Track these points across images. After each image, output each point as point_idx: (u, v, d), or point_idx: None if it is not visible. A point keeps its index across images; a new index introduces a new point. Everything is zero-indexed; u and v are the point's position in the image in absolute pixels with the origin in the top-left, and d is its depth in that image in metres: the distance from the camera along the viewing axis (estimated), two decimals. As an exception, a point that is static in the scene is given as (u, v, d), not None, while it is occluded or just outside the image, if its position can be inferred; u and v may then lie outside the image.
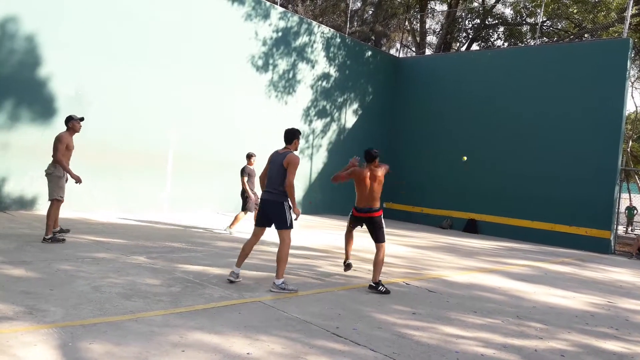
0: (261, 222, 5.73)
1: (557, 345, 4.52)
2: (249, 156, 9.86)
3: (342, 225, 8.06)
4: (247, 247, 5.72)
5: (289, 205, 5.58)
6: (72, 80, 10.39)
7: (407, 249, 10.27)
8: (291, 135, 5.72)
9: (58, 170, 7.09)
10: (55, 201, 7.02)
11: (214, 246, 8.02)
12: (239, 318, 4.34)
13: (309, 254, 8.16)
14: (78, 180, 7.13)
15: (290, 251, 8.13)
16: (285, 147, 5.73)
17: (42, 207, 10.05)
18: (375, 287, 5.90)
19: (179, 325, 3.98)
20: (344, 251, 7.17)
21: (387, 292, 5.88)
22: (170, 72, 11.98)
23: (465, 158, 13.65)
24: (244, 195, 9.58)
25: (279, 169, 5.52)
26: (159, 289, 5.01)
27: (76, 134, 7.56)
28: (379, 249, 6.24)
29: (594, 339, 4.87)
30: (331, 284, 6.08)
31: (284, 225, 5.58)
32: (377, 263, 6.08)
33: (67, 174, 7.21)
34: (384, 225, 6.50)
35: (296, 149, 5.77)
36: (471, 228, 15.81)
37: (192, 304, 4.63)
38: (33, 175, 9.90)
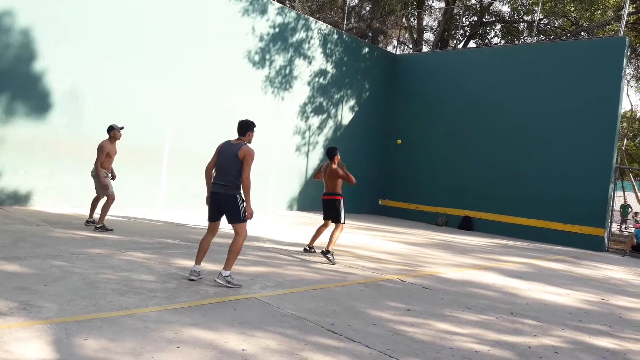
0: (214, 217, 5.48)
1: (550, 342, 4.55)
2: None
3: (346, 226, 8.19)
4: (205, 243, 5.48)
5: (242, 198, 5.34)
6: (68, 75, 10.35)
7: (402, 245, 10.29)
8: (246, 127, 5.48)
9: (101, 171, 7.99)
10: (110, 198, 7.93)
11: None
12: (234, 314, 4.35)
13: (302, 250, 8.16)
14: (104, 184, 8.01)
15: (286, 248, 8.19)
16: (238, 139, 5.46)
17: (37, 203, 10.04)
18: (325, 254, 7.34)
19: (174, 322, 3.98)
20: (338, 248, 7.85)
21: (332, 263, 7.17)
22: (166, 68, 11.94)
23: (400, 141, 13.61)
24: None
25: (233, 161, 5.27)
26: (154, 285, 5.01)
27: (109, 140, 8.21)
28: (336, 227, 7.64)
29: (587, 335, 4.90)
30: (326, 281, 6.09)
31: (237, 219, 5.31)
32: (332, 236, 7.48)
33: (111, 174, 8.33)
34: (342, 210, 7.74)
35: (250, 142, 5.50)
36: (466, 225, 15.85)
37: (187, 300, 4.63)
38: (28, 170, 9.88)
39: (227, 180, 5.29)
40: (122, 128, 8.23)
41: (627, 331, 5.26)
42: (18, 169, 9.75)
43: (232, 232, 5.45)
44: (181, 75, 12.24)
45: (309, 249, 8.04)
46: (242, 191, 5.36)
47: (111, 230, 7.92)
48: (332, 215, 7.75)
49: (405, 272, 7.23)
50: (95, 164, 7.96)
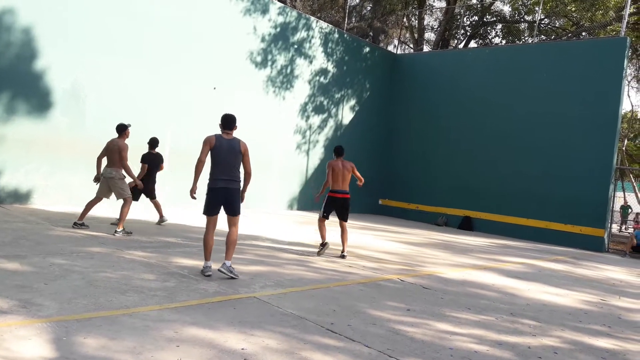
0: (217, 211, 5.64)
1: (550, 342, 4.55)
2: None
3: (336, 221, 8.12)
4: (211, 239, 5.64)
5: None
6: (69, 73, 10.36)
7: (402, 245, 10.30)
8: (233, 121, 5.64)
9: (119, 173, 7.83)
10: (129, 198, 7.83)
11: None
12: (233, 313, 4.35)
13: (303, 249, 8.17)
14: (140, 185, 8.44)
15: (286, 247, 8.19)
16: (226, 132, 5.59)
17: (38, 201, 10.04)
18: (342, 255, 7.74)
19: (173, 320, 3.99)
20: (338, 248, 8.15)
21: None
22: (168, 67, 11.95)
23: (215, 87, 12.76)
24: None
25: (237, 156, 5.53)
26: (154, 284, 5.02)
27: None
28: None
29: (587, 336, 4.90)
30: (326, 280, 6.09)
31: (239, 211, 5.66)
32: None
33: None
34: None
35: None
36: (466, 225, 15.85)
37: (187, 299, 4.64)
38: (28, 169, 9.89)
39: (234, 175, 5.53)
40: (130, 126, 8.19)
41: (627, 332, 5.26)
42: (19, 167, 9.76)
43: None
44: (182, 75, 12.24)
45: (342, 255, 7.88)
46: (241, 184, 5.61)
47: (131, 233, 7.78)
48: (345, 214, 7.94)
49: (405, 272, 7.23)
50: (125, 165, 7.77)
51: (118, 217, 8.02)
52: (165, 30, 11.83)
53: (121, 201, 7.92)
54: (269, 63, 14.41)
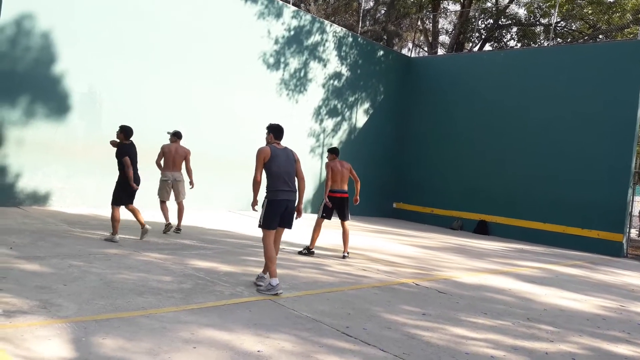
0: (276, 224, 5.41)
1: (567, 348, 4.49)
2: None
3: (336, 223, 8.17)
4: (273, 251, 5.34)
5: None
6: (85, 77, 10.49)
7: (417, 249, 10.25)
8: (283, 131, 5.68)
9: (164, 175, 8.64)
10: (162, 202, 8.55)
11: (224, 243, 8.07)
12: (249, 316, 4.37)
13: (318, 252, 8.17)
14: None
15: (301, 250, 8.18)
16: (276, 142, 5.58)
17: (55, 203, 10.18)
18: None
19: (190, 322, 4.01)
20: (353, 251, 8.18)
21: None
22: (182, 70, 12.05)
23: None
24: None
25: (294, 165, 5.52)
26: (171, 286, 5.06)
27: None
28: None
29: (605, 342, 4.83)
30: (341, 284, 6.09)
31: (292, 225, 5.63)
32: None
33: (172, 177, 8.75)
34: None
35: None
36: (482, 229, 15.73)
37: (203, 301, 4.66)
38: (46, 171, 10.02)
39: (293, 185, 5.47)
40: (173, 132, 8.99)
41: (647, 338, 5.18)
42: (37, 169, 9.90)
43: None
44: (196, 78, 12.33)
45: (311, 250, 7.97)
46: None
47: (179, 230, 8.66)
48: (346, 214, 8.01)
49: (420, 276, 7.20)
50: (188, 168, 8.71)
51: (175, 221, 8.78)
52: (179, 34, 11.94)
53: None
54: (283, 66, 14.46)
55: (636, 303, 7.08)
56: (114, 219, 7.12)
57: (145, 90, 11.41)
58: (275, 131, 5.60)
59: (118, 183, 7.26)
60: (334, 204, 7.93)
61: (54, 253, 5.94)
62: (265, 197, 5.39)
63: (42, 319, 3.73)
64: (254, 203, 5.58)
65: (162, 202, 8.56)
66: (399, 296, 5.79)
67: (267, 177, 5.41)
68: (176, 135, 8.82)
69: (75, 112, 10.42)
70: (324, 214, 7.95)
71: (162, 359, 3.26)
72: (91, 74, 10.56)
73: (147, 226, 7.46)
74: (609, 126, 13.74)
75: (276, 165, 5.35)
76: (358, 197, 8.26)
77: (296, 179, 5.62)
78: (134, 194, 7.40)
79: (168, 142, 8.92)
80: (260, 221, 5.39)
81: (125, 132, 7.33)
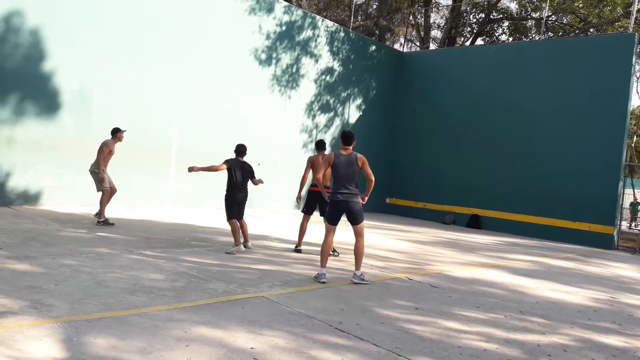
0: (337, 221, 6.13)
1: (559, 340, 4.53)
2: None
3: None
4: (328, 247, 6.06)
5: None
6: (75, 75, 10.42)
7: (409, 244, 10.28)
8: (352, 137, 6.25)
9: (103, 167, 8.55)
10: (105, 191, 8.52)
11: (217, 241, 8.06)
12: (242, 313, 4.37)
13: (311, 249, 8.17)
14: (102, 178, 8.55)
15: (293, 246, 8.19)
16: (345, 148, 6.16)
17: (46, 202, 10.11)
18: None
19: (183, 320, 4.01)
20: (345, 247, 7.66)
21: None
22: (173, 66, 11.99)
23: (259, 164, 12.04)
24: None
25: (356, 169, 6.04)
26: (163, 284, 5.04)
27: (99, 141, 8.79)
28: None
29: (597, 334, 4.87)
30: (334, 279, 6.10)
31: (361, 219, 6.10)
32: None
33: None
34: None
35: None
36: (474, 223, 15.80)
37: (196, 299, 4.66)
38: (37, 170, 9.96)
39: (352, 188, 6.05)
40: (125, 131, 8.88)
41: (637, 329, 5.23)
42: (28, 168, 9.83)
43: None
44: (188, 74, 12.28)
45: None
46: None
47: (112, 224, 8.45)
48: (326, 209, 7.61)
49: (412, 271, 7.22)
50: (99, 161, 8.49)
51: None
52: (171, 30, 11.87)
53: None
54: (274, 62, 14.42)
55: (627, 294, 7.15)
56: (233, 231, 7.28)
57: (137, 86, 11.35)
58: (343, 138, 6.26)
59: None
60: (315, 199, 7.74)
61: (45, 253, 5.91)
62: (329, 197, 6.35)
63: (33, 319, 3.71)
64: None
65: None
66: (391, 291, 5.80)
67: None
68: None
69: (65, 110, 10.35)
70: (305, 209, 7.85)
71: (155, 357, 3.25)
72: (82, 72, 10.49)
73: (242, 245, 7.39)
74: (600, 119, 13.81)
75: (337, 170, 6.07)
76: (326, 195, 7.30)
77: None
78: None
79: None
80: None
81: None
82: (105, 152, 8.54)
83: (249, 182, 7.46)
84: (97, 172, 8.48)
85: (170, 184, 12.18)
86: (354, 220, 6.08)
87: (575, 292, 6.88)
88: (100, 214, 8.47)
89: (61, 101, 10.26)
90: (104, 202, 8.52)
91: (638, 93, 26.59)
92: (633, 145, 24.45)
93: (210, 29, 12.66)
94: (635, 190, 27.02)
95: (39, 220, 8.32)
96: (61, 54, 10.14)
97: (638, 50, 14.17)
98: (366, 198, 6.31)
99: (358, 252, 6.03)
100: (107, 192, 8.56)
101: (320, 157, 7.92)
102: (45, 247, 6.24)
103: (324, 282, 5.80)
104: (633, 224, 26.58)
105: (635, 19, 16.48)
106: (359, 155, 6.14)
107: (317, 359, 3.49)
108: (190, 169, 7.05)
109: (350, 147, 6.20)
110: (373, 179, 6.25)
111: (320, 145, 8.09)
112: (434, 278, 6.83)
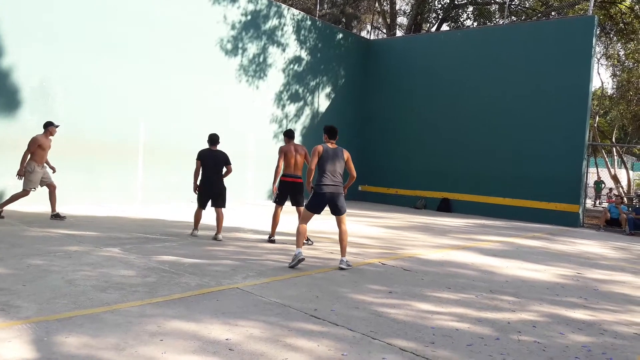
0: (320, 210, 6.30)
1: (528, 316, 4.66)
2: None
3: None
4: (304, 229, 6.30)
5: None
6: (36, 71, 10.10)
7: (382, 229, 10.39)
8: (336, 132, 6.38)
9: (29, 165, 8.28)
10: (24, 191, 8.36)
11: (188, 236, 7.98)
12: (216, 305, 4.35)
13: (284, 238, 8.18)
14: (20, 174, 8.31)
15: (267, 237, 8.18)
16: (330, 142, 6.32)
17: (11, 202, 9.82)
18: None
19: (156, 315, 3.97)
20: (318, 235, 7.69)
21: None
22: (137, 60, 11.75)
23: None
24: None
25: (341, 163, 6.27)
26: (135, 280, 4.98)
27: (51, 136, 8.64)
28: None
29: (564, 309, 5.03)
30: (308, 268, 6.12)
31: (344, 210, 6.32)
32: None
33: (44, 168, 8.57)
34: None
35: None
36: (445, 207, 16.05)
37: (169, 293, 4.61)
38: (-1, 170, 9.65)
39: (337, 180, 6.24)
40: (58, 126, 8.72)
41: (602, 303, 5.42)
42: (-11, 168, 9.52)
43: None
44: (152, 67, 12.05)
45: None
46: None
47: (3, 217, 8.25)
48: (300, 199, 7.89)
49: (385, 256, 7.31)
50: (23, 157, 8.23)
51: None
52: (133, 22, 11.60)
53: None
54: (241, 52, 14.27)
55: (592, 270, 7.39)
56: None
57: (100, 82, 11.08)
58: (328, 132, 6.38)
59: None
60: (286, 189, 7.70)
61: (11, 254, 5.76)
62: (313, 188, 6.39)
63: (1, 321, 3.62)
64: (309, 186, 6.54)
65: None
66: (365, 276, 5.86)
67: (316, 171, 6.32)
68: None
69: (26, 108, 10.04)
70: (277, 200, 7.80)
71: (129, 353, 3.22)
72: (42, 67, 10.18)
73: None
74: (563, 101, 14.14)
75: (324, 163, 6.20)
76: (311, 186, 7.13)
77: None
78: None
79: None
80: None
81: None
82: (32, 148, 8.22)
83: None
84: (30, 170, 8.28)
85: (138, 180, 11.98)
86: (338, 212, 6.28)
87: (543, 270, 7.07)
88: (2, 206, 8.36)
89: (22, 98, 9.95)
90: (14, 197, 8.34)
91: (599, 74, 27.27)
92: (595, 125, 25.14)
93: (174, 19, 12.43)
94: (598, 169, 27.83)
95: (3, 220, 8.08)
96: (20, 49, 9.82)
97: (598, 32, 14.53)
98: (345, 191, 6.47)
99: (342, 240, 6.27)
100: (25, 193, 8.38)
101: (292, 146, 7.81)
102: (11, 247, 6.08)
103: (303, 259, 5.99)
104: (597, 202, 27.43)
105: (595, 1, 16.85)
106: (344, 150, 6.38)
107: (292, 347, 3.51)
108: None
109: (335, 140, 6.39)
110: (355, 175, 6.49)
111: (289, 134, 8.01)
112: (406, 262, 6.92)
